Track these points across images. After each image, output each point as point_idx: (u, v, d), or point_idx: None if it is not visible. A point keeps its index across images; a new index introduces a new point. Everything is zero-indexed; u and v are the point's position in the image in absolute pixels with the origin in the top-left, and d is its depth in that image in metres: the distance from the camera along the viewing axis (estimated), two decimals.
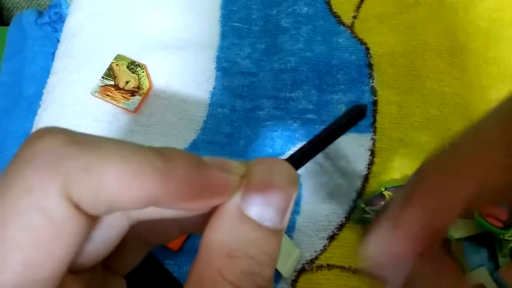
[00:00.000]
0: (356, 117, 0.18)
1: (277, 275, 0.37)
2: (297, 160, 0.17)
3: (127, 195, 0.13)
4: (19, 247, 0.13)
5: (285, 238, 0.38)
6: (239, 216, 0.15)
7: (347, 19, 0.49)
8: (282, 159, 0.17)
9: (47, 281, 0.13)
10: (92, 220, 0.14)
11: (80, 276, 0.16)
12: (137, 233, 0.18)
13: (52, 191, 0.13)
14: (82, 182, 0.13)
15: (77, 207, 0.13)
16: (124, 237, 0.17)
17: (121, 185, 0.13)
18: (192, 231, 0.19)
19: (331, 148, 0.42)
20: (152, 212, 0.16)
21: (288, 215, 0.16)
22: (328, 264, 0.38)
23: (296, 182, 0.16)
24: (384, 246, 0.18)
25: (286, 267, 0.37)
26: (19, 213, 0.13)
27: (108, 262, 0.18)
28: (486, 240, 0.38)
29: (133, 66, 0.46)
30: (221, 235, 0.15)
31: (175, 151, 0.14)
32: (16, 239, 0.13)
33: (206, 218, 0.16)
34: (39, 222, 0.13)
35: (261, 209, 0.15)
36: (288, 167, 0.16)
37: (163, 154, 0.14)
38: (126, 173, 0.13)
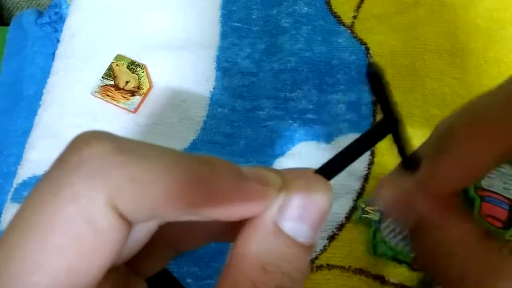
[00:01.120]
0: (386, 129, 0.17)
1: None
2: (329, 172, 0.17)
3: (172, 205, 0.14)
4: (63, 253, 0.13)
5: None
6: (274, 230, 0.15)
7: (347, 19, 0.49)
8: (318, 174, 0.17)
9: (86, 287, 0.13)
10: (132, 225, 0.14)
11: (108, 275, 0.16)
12: (165, 238, 0.18)
13: (99, 200, 0.13)
14: (129, 192, 0.13)
15: (121, 216, 0.13)
16: (152, 241, 0.17)
17: (166, 196, 0.13)
18: (220, 239, 0.19)
19: (331, 148, 0.42)
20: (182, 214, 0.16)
21: (319, 231, 0.16)
22: (328, 264, 0.38)
23: (331, 197, 0.16)
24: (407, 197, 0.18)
25: None
26: (64, 220, 0.13)
27: (134, 264, 0.18)
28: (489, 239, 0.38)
29: (133, 66, 0.46)
30: (256, 247, 0.15)
31: (218, 162, 0.15)
32: (61, 245, 0.13)
33: (234, 227, 0.16)
34: (84, 231, 0.13)
35: (296, 224, 0.15)
36: (325, 183, 0.16)
37: (207, 163, 0.14)
38: (171, 184, 0.13)
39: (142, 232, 0.16)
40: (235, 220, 0.15)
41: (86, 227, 0.13)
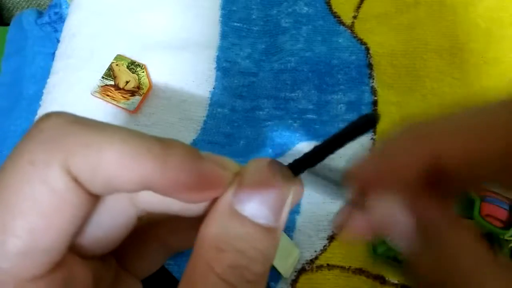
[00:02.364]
0: (364, 125, 0.17)
1: (277, 275, 0.37)
2: (297, 165, 0.17)
3: (124, 175, 0.14)
4: (22, 214, 0.14)
5: (285, 238, 0.38)
6: (229, 211, 0.15)
7: (347, 19, 0.49)
8: (276, 160, 0.17)
9: (50, 250, 0.14)
10: (93, 198, 0.15)
11: (89, 263, 0.16)
12: (154, 234, 0.18)
13: (54, 164, 0.14)
14: (82, 157, 0.14)
15: (76, 180, 0.14)
16: (139, 237, 0.17)
17: (119, 164, 0.14)
18: None
19: None
20: (157, 203, 0.16)
21: (284, 215, 0.16)
22: (328, 264, 0.38)
23: (291, 183, 0.16)
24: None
25: (286, 267, 0.37)
26: (22, 182, 0.14)
27: (127, 262, 0.18)
28: (486, 240, 0.38)
29: (133, 66, 0.46)
30: (211, 228, 0.15)
31: (174, 141, 0.15)
32: (20, 206, 0.14)
33: None
34: (41, 192, 0.14)
35: (254, 206, 0.15)
36: (282, 167, 0.17)
37: (162, 141, 0.15)
38: (124, 154, 0.14)
39: (120, 219, 0.16)
40: (195, 201, 0.16)
41: (43, 188, 0.14)
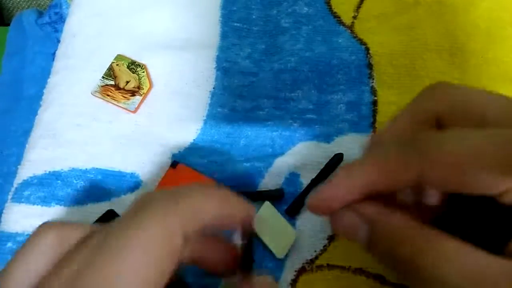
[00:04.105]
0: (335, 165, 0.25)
1: (270, 255, 0.37)
2: (294, 207, 0.27)
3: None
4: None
5: (281, 219, 0.38)
6: None
7: (347, 19, 0.49)
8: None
9: None
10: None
11: None
12: None
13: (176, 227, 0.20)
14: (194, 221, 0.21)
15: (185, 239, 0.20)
16: None
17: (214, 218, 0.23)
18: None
19: (331, 148, 0.42)
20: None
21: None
22: (328, 264, 0.38)
23: None
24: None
25: (280, 247, 0.37)
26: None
27: None
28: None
29: (134, 66, 0.46)
30: None
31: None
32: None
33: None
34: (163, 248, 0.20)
35: None
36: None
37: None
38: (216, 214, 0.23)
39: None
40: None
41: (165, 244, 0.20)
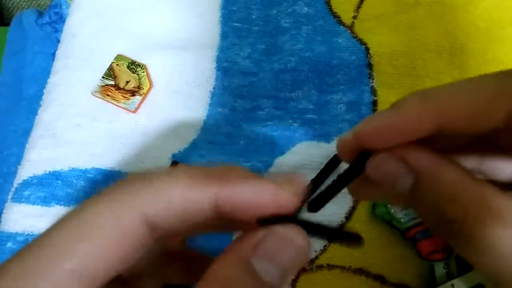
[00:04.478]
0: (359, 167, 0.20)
1: None
2: (317, 202, 0.21)
3: (194, 201, 0.18)
4: (87, 238, 0.17)
5: None
6: (245, 262, 0.17)
7: (347, 19, 0.49)
8: (298, 227, 0.18)
9: (97, 278, 0.16)
10: (153, 239, 0.18)
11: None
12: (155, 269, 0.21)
13: (131, 209, 0.18)
14: (156, 202, 0.18)
15: (148, 223, 0.17)
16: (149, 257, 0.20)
17: (185, 196, 0.18)
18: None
19: (331, 148, 0.42)
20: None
21: (290, 278, 0.18)
22: (328, 264, 0.38)
23: (307, 252, 0.18)
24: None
25: None
26: (97, 216, 0.18)
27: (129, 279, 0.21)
28: None
29: (133, 66, 0.46)
30: (223, 270, 0.17)
31: (230, 169, 0.18)
32: (87, 233, 0.17)
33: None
34: (111, 225, 0.17)
35: (265, 263, 0.17)
36: (303, 234, 0.18)
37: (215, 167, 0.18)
38: (188, 186, 0.18)
39: (148, 253, 0.19)
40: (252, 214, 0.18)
41: (114, 223, 0.17)
